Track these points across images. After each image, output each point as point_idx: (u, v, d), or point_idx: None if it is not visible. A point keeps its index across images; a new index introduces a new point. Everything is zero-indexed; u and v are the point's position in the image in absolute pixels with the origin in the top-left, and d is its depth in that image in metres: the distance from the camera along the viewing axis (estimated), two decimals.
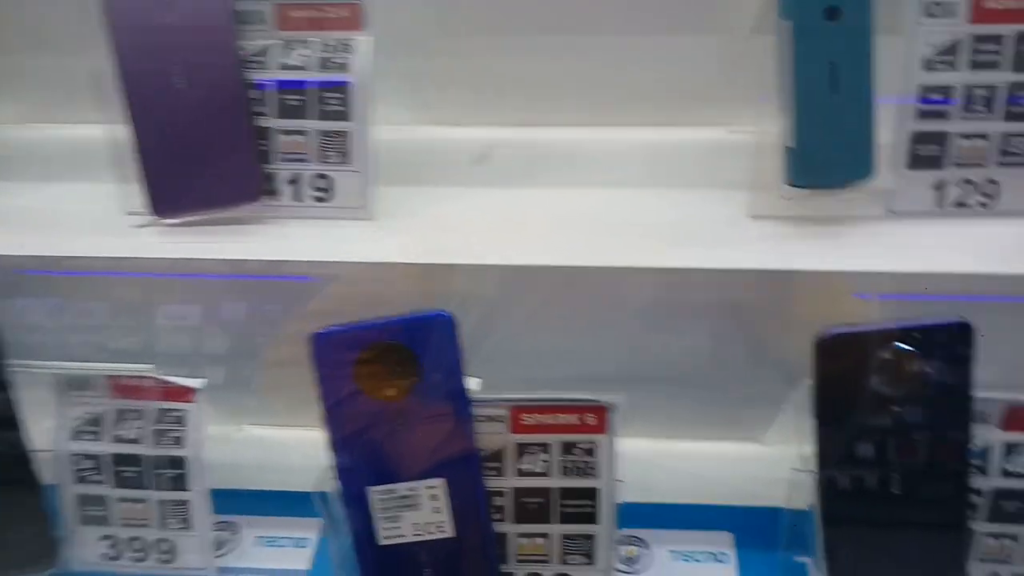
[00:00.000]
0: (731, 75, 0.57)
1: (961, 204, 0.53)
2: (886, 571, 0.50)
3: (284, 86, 0.55)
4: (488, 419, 0.51)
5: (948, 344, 0.46)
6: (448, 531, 0.51)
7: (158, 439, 0.55)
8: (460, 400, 0.50)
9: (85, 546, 0.57)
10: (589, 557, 0.53)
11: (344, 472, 0.51)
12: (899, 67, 0.50)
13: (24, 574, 0.57)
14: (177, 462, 0.55)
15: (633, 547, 0.58)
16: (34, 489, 0.56)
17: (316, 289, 0.57)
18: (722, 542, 0.58)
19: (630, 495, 0.60)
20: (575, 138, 0.63)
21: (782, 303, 0.55)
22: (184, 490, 0.56)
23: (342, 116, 0.54)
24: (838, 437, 0.48)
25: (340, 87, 0.54)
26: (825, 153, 0.51)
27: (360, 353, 0.49)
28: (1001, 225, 0.53)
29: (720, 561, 0.57)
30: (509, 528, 0.53)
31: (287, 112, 0.55)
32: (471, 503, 0.51)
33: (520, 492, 0.52)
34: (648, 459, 0.63)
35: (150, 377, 0.55)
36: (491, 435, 0.51)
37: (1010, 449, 0.49)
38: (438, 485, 0.51)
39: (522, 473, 0.52)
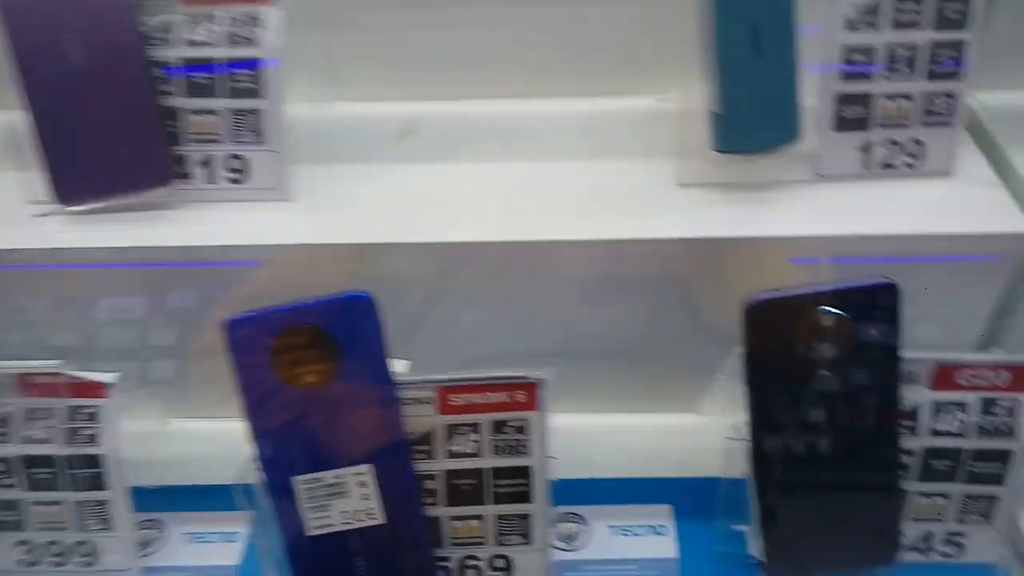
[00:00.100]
0: (658, 42, 0.55)
1: (888, 165, 0.53)
2: (822, 535, 0.50)
3: (191, 63, 0.52)
4: (415, 401, 0.49)
5: (875, 306, 0.45)
6: (379, 518, 0.49)
7: (70, 438, 0.53)
8: (385, 383, 0.48)
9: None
10: (525, 537, 0.52)
11: (267, 463, 0.48)
12: (821, 28, 0.50)
13: None
14: (93, 461, 0.52)
15: (571, 524, 0.57)
16: None
17: (234, 275, 0.54)
18: (661, 515, 0.57)
19: (567, 471, 0.60)
20: (501, 110, 0.62)
21: (715, 270, 0.54)
22: (102, 489, 0.53)
23: (254, 94, 0.52)
24: (769, 403, 0.47)
25: (251, 64, 0.52)
26: (750, 118, 0.50)
27: (277, 339, 0.46)
28: (928, 186, 0.53)
29: (659, 534, 0.56)
30: (442, 511, 0.51)
31: (195, 91, 0.53)
32: (401, 488, 0.49)
33: (452, 474, 0.50)
34: (585, 434, 0.61)
35: (59, 374, 0.52)
36: (419, 417, 0.49)
37: (939, 408, 0.49)
38: (366, 471, 0.49)
39: (453, 455, 0.50)
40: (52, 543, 0.55)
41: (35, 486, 0.54)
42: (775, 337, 0.46)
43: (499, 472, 0.51)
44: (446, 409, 0.50)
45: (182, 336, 0.59)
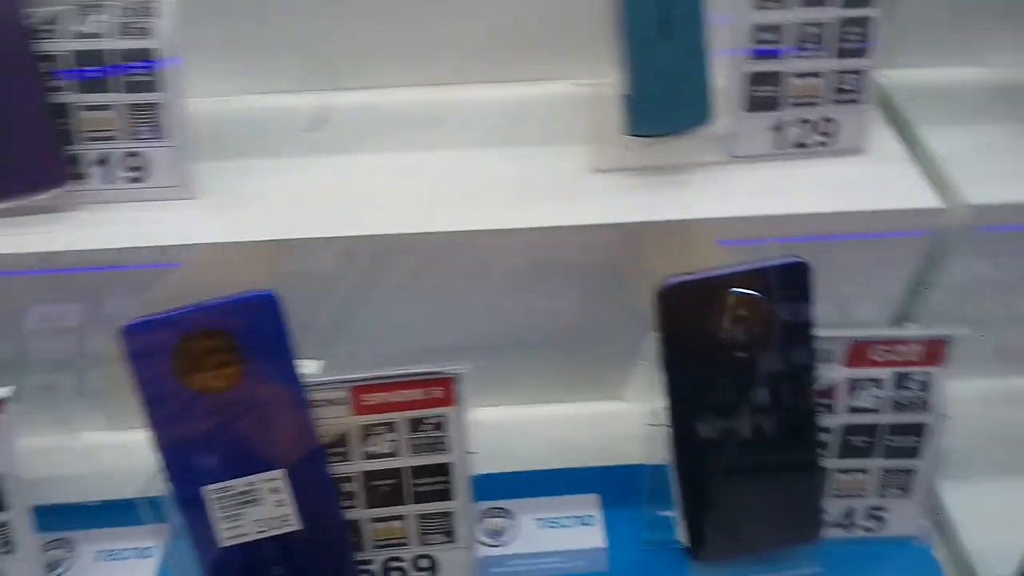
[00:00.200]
0: (573, 26, 0.54)
1: (800, 144, 0.52)
2: (745, 516, 0.49)
3: (81, 57, 0.49)
4: (327, 403, 0.47)
5: (787, 285, 0.45)
6: (295, 524, 0.48)
7: None
8: (293, 385, 0.46)
9: None
10: (449, 535, 0.50)
11: (175, 473, 0.46)
12: (729, 7, 0.50)
13: None
14: None
15: (498, 519, 0.56)
16: None
17: (136, 278, 0.52)
18: (588, 504, 0.56)
19: (493, 466, 0.59)
20: (415, 99, 0.60)
21: (632, 255, 0.54)
22: (1, 510, 0.50)
23: (151, 87, 0.50)
24: (687, 387, 0.47)
25: (145, 55, 0.49)
26: (661, 100, 0.49)
27: (177, 344, 0.44)
28: (840, 163, 0.53)
29: (587, 524, 0.55)
30: (362, 514, 0.50)
31: (88, 86, 0.50)
32: (317, 492, 0.48)
33: (369, 475, 0.49)
34: (511, 427, 0.61)
35: None
36: (332, 419, 0.48)
37: (854, 385, 0.49)
38: (278, 477, 0.47)
39: (369, 456, 0.48)
40: None
41: None
42: (689, 320, 0.45)
43: (418, 471, 0.50)
44: (360, 409, 0.48)
45: (84, 344, 0.57)
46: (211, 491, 0.47)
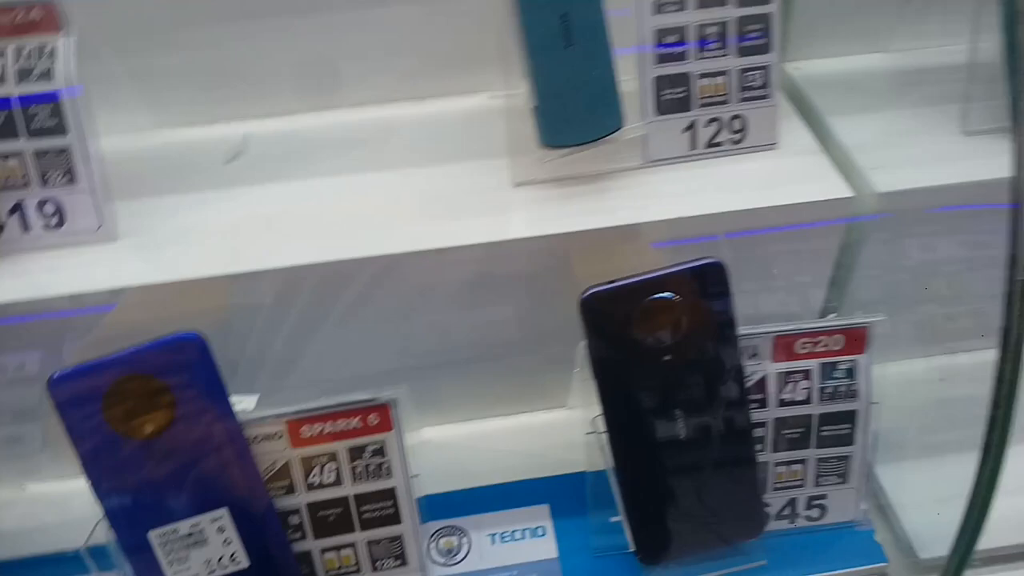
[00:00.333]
0: (487, 38, 0.53)
1: (714, 144, 0.53)
2: (688, 516, 0.50)
3: None
4: (265, 437, 0.47)
5: (705, 286, 0.45)
6: (243, 561, 0.47)
7: None
8: (228, 423, 0.46)
9: None
10: (400, 558, 0.50)
11: (117, 520, 0.46)
12: (631, 13, 0.50)
13: None
14: None
15: (451, 537, 0.56)
16: None
17: (61, 326, 0.52)
18: (539, 516, 0.56)
19: (443, 485, 0.59)
20: (334, 122, 0.60)
21: (559, 265, 0.54)
22: None
23: (57, 131, 0.49)
24: (619, 393, 0.47)
25: (47, 99, 0.48)
26: (570, 110, 0.49)
27: (106, 391, 0.44)
28: (753, 160, 0.54)
29: (538, 535, 0.55)
30: (311, 545, 0.50)
31: None
32: (263, 528, 0.48)
33: (314, 506, 0.49)
34: (458, 444, 0.61)
35: None
36: (272, 453, 0.48)
37: (783, 379, 0.49)
38: (222, 515, 0.47)
39: (312, 487, 0.48)
40: None
41: None
42: (613, 327, 0.46)
43: (363, 498, 0.50)
44: (298, 441, 0.48)
45: (13, 397, 0.56)
46: (156, 535, 0.47)
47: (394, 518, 0.50)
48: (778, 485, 0.52)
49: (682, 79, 0.51)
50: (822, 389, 0.50)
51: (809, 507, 0.53)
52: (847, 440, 0.51)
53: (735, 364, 0.47)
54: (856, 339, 0.49)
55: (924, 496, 0.55)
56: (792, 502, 0.52)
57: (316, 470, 0.49)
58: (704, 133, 0.53)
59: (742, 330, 0.47)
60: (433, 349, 0.59)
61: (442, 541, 0.57)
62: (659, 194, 0.52)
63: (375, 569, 0.51)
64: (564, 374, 0.59)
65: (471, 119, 0.58)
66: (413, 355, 0.59)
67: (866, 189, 0.53)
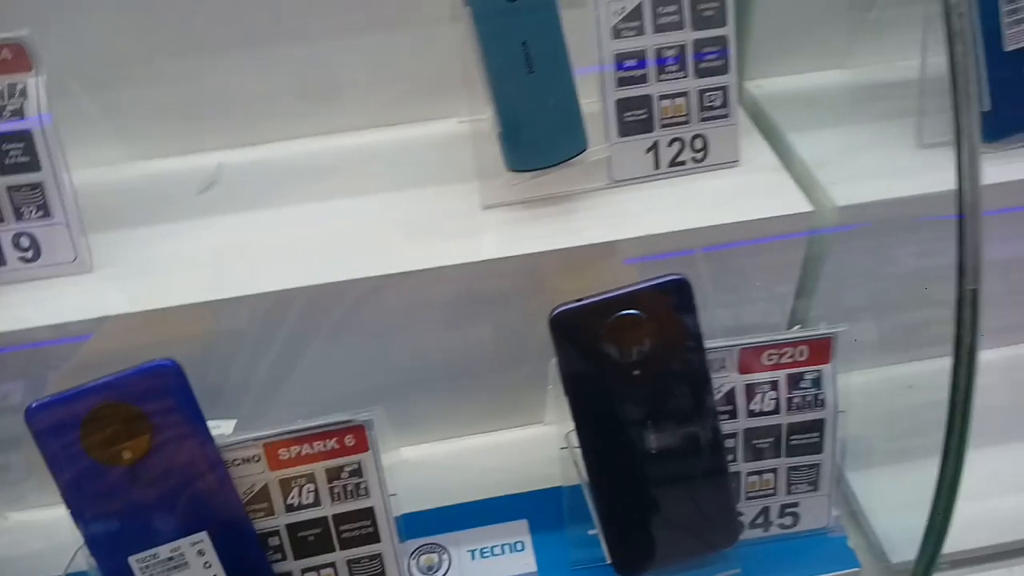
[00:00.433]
0: (452, 66, 0.54)
1: (677, 163, 0.55)
2: (663, 528, 0.51)
3: None
4: (243, 461, 0.48)
5: (670, 301, 0.46)
6: None
7: None
8: (205, 448, 0.46)
9: None
10: None
11: (98, 547, 0.46)
12: (591, 38, 0.52)
13: None
14: None
15: (431, 554, 0.57)
16: None
17: (39, 357, 0.53)
18: (518, 531, 0.57)
19: (423, 502, 0.60)
20: (305, 150, 0.61)
21: (531, 284, 0.55)
22: None
23: (31, 167, 0.50)
24: (591, 409, 0.48)
25: (20, 136, 0.49)
26: (534, 134, 0.51)
27: (84, 420, 0.44)
28: (716, 178, 0.55)
29: (517, 550, 0.56)
30: (291, 566, 0.50)
31: None
32: (243, 550, 0.48)
33: (294, 527, 0.49)
34: (437, 463, 0.62)
35: None
36: (250, 476, 0.48)
37: (751, 390, 0.50)
38: (202, 539, 0.48)
39: (291, 508, 0.49)
40: None
41: None
42: (582, 344, 0.47)
43: (341, 518, 0.50)
44: (276, 464, 0.49)
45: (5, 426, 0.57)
46: (136, 560, 0.47)
47: (373, 537, 0.51)
48: (751, 494, 0.53)
49: (643, 101, 0.53)
50: (789, 399, 0.51)
51: (782, 515, 0.54)
52: (816, 448, 0.52)
53: (703, 377, 0.48)
54: (820, 349, 0.50)
55: (895, 501, 0.56)
56: (765, 510, 0.53)
57: (294, 491, 0.49)
58: (667, 153, 0.54)
59: (709, 343, 0.48)
60: (410, 370, 0.60)
61: (422, 558, 0.57)
62: (625, 213, 0.53)
63: None
64: (540, 390, 0.59)
65: (440, 144, 0.60)
66: (390, 376, 0.60)
67: (826, 203, 0.54)
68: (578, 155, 0.51)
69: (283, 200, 0.57)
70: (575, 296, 0.48)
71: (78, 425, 0.45)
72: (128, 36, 0.56)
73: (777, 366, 0.50)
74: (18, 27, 0.49)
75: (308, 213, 0.57)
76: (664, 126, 0.53)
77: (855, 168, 0.56)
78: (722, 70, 0.52)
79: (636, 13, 0.51)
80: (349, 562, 0.51)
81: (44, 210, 0.50)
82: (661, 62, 0.52)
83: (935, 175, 0.50)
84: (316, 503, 0.50)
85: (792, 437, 0.51)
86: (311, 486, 0.50)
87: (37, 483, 0.62)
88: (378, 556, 0.51)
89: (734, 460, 0.52)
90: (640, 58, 0.51)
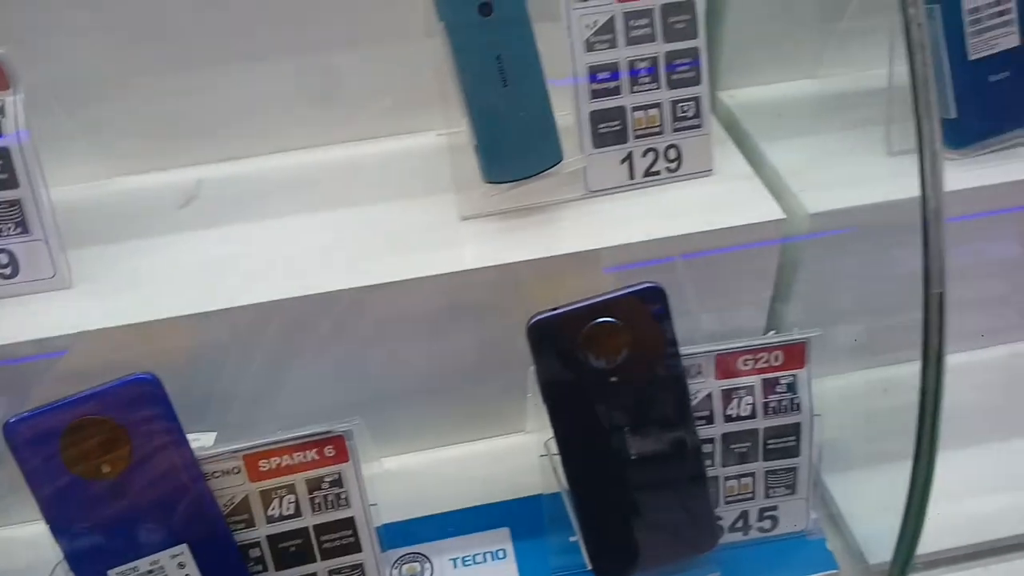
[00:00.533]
0: (429, 79, 0.55)
1: (652, 173, 0.55)
2: (643, 533, 0.51)
3: None
4: (223, 473, 0.48)
5: (646, 308, 0.47)
6: None
7: None
8: (185, 460, 0.46)
9: None
10: None
11: (77, 561, 0.46)
12: (564, 51, 0.52)
13: None
14: None
15: (414, 563, 0.57)
16: None
17: (24, 372, 0.52)
18: (500, 539, 0.57)
19: (406, 512, 0.60)
20: (285, 164, 0.62)
21: (510, 293, 0.55)
22: None
23: (9, 184, 0.50)
24: (569, 416, 0.48)
25: None
26: (510, 146, 0.51)
27: (62, 435, 0.45)
28: (690, 187, 0.56)
29: (499, 558, 0.56)
30: None
31: None
32: (223, 562, 0.48)
33: (274, 539, 0.50)
34: (419, 472, 0.62)
35: None
36: (231, 488, 0.49)
37: (727, 395, 0.51)
38: (182, 551, 0.48)
39: (272, 519, 0.49)
40: None
41: None
42: (560, 352, 0.47)
43: (322, 528, 0.50)
44: (256, 476, 0.49)
45: None
46: (116, 574, 0.47)
47: (355, 547, 0.51)
48: (729, 498, 0.53)
49: (617, 113, 0.53)
50: (766, 404, 0.51)
51: (761, 519, 0.54)
52: (793, 452, 0.53)
53: (679, 383, 0.49)
54: (795, 354, 0.50)
55: (872, 503, 0.57)
56: (744, 514, 0.54)
57: (275, 503, 0.50)
58: (641, 163, 0.55)
59: (685, 349, 0.49)
60: (391, 380, 0.60)
61: (405, 568, 0.57)
62: (601, 223, 0.54)
63: None
64: (520, 399, 0.60)
65: (419, 157, 0.60)
66: (371, 386, 0.60)
67: (799, 210, 0.55)
68: (553, 167, 0.52)
69: (262, 214, 0.58)
70: (553, 305, 0.48)
71: (57, 439, 0.45)
72: (106, 53, 0.56)
73: (753, 371, 0.51)
74: None
75: (287, 227, 0.57)
76: (638, 137, 0.54)
77: (826, 176, 0.57)
78: (694, 81, 0.53)
79: (608, 26, 0.51)
80: (330, 572, 0.51)
81: (23, 227, 0.51)
82: (634, 74, 0.52)
83: (904, 182, 0.52)
84: (297, 514, 0.50)
85: (769, 441, 0.52)
86: (291, 497, 0.50)
87: (17, 499, 0.63)
88: (359, 566, 0.52)
89: (712, 465, 0.52)
90: (613, 70, 0.52)
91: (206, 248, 0.56)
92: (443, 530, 0.58)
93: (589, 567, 0.52)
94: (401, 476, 0.63)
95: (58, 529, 0.46)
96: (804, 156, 0.58)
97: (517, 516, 0.58)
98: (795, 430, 0.52)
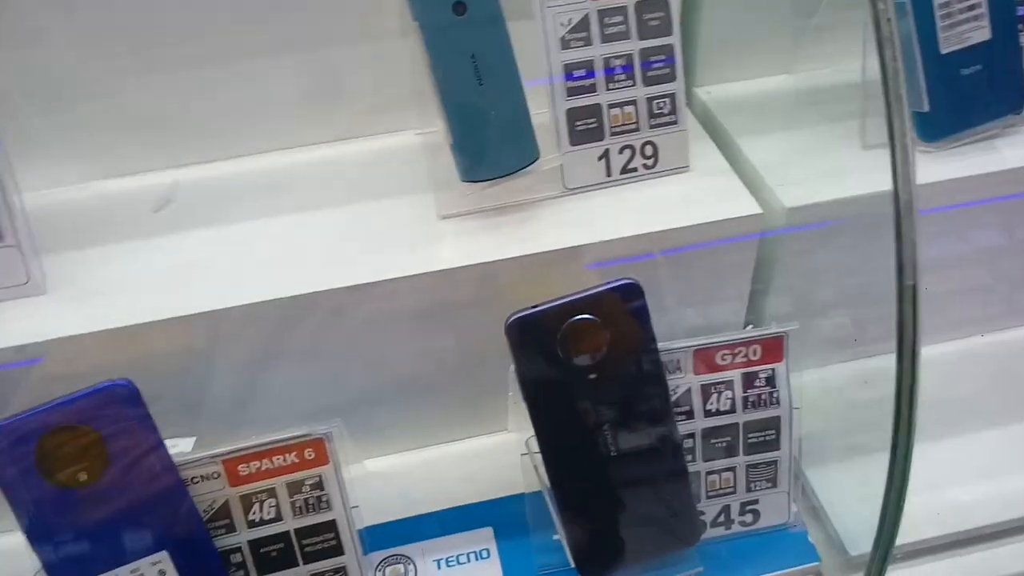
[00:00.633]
0: (405, 79, 0.54)
1: (629, 170, 0.56)
2: (625, 529, 0.51)
3: None
4: (203, 478, 0.48)
5: (623, 305, 0.47)
6: None
7: None
8: (162, 466, 0.46)
9: None
10: None
11: (55, 572, 0.46)
12: (539, 50, 0.52)
13: None
14: None
15: (398, 565, 0.57)
16: None
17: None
18: (483, 539, 0.57)
19: (390, 514, 0.60)
20: (262, 166, 0.61)
21: (493, 290, 0.55)
22: None
23: None
24: (549, 414, 0.48)
25: None
26: (486, 145, 0.51)
27: (38, 443, 0.44)
28: (667, 183, 0.56)
29: (483, 558, 0.56)
30: None
31: None
32: (204, 568, 0.48)
33: (256, 543, 0.49)
34: (402, 474, 0.61)
35: None
36: (210, 493, 0.48)
37: (707, 390, 0.51)
38: (162, 558, 0.47)
39: (253, 524, 0.49)
40: None
41: None
42: (539, 350, 0.47)
43: (304, 531, 0.50)
44: (236, 480, 0.49)
45: None
46: None
47: (337, 550, 0.51)
48: (711, 493, 0.54)
49: (593, 110, 0.53)
50: (745, 398, 0.52)
51: (743, 512, 0.54)
52: (773, 445, 0.53)
53: (659, 378, 0.49)
54: (773, 348, 0.51)
55: (852, 495, 0.57)
56: (726, 509, 0.54)
57: (256, 507, 0.49)
58: (618, 160, 0.55)
59: (664, 345, 0.49)
60: (371, 381, 0.60)
61: (388, 569, 0.57)
62: (579, 220, 0.54)
63: None
64: (502, 398, 0.60)
65: (397, 157, 0.60)
66: (352, 388, 0.60)
67: (775, 205, 0.56)
68: (530, 165, 0.52)
69: (239, 216, 0.57)
70: (533, 303, 0.48)
71: (33, 447, 0.45)
72: (79, 56, 0.56)
73: (731, 366, 0.51)
74: None
75: (264, 229, 0.57)
76: (614, 134, 0.54)
77: (803, 170, 0.57)
78: (669, 78, 0.54)
79: (583, 24, 0.52)
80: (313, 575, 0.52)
81: None
82: (609, 72, 0.53)
83: (879, 175, 0.52)
84: (278, 518, 0.50)
85: (749, 435, 0.52)
86: (272, 501, 0.50)
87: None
88: (342, 569, 0.51)
89: (693, 460, 0.52)
90: (588, 68, 0.52)
91: (182, 252, 0.55)
92: (426, 531, 0.58)
93: (572, 565, 0.52)
94: (383, 477, 0.63)
95: (35, 539, 0.46)
96: (780, 151, 0.59)
97: (500, 515, 0.58)
98: (775, 424, 0.53)
